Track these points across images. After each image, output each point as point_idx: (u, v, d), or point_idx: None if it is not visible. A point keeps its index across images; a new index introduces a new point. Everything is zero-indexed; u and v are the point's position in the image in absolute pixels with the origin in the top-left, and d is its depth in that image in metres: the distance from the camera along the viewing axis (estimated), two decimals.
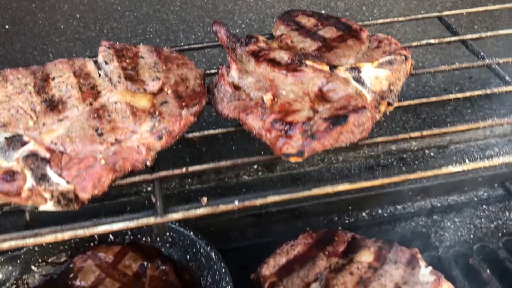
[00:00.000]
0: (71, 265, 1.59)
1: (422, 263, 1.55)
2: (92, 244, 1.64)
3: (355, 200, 1.84)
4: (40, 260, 1.58)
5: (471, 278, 1.63)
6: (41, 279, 1.58)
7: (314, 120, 0.97)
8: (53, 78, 1.13)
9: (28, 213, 1.67)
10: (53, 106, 1.07)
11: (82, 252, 1.60)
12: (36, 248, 1.56)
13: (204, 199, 0.96)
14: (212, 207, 0.95)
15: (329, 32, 1.28)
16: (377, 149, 1.86)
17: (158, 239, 1.65)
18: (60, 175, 0.93)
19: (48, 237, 0.90)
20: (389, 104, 1.06)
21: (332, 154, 1.82)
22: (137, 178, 1.00)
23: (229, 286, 1.41)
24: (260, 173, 1.80)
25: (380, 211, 1.87)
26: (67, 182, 0.92)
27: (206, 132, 1.10)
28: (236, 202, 0.96)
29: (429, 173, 1.01)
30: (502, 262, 1.69)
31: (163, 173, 1.01)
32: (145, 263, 1.58)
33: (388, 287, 1.49)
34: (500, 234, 1.77)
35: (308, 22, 1.32)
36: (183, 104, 1.09)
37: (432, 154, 1.91)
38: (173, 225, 1.60)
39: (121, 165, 0.97)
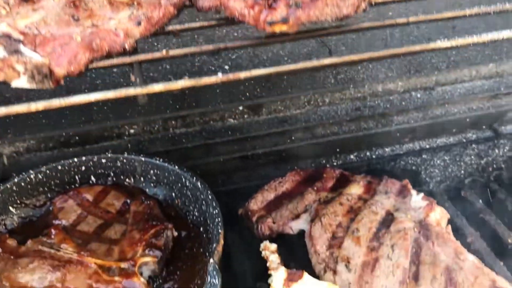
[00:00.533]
0: (51, 207, 1.54)
1: (414, 192, 1.52)
2: (72, 186, 1.59)
3: (344, 142, 1.81)
4: (18, 202, 1.51)
5: (464, 209, 1.60)
6: (20, 221, 1.51)
7: None
8: None
9: (6, 157, 1.62)
10: None
11: (62, 193, 1.55)
12: (14, 188, 1.49)
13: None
14: (195, 79, 0.91)
15: None
16: (363, 90, 1.84)
17: (142, 179, 1.60)
18: (34, 50, 0.89)
19: (21, 108, 0.86)
20: None
21: (318, 95, 1.80)
22: (114, 61, 0.96)
23: (216, 210, 1.36)
24: (246, 116, 1.77)
25: (368, 153, 1.84)
26: (42, 57, 0.88)
27: (187, 25, 1.07)
28: (220, 74, 0.92)
29: (417, 47, 0.98)
30: (494, 193, 1.67)
31: (142, 56, 0.97)
32: (129, 201, 1.53)
33: (379, 214, 1.46)
34: (490, 169, 1.75)
35: None
36: None
37: (418, 95, 1.89)
38: (157, 161, 1.55)
39: (98, 44, 0.93)
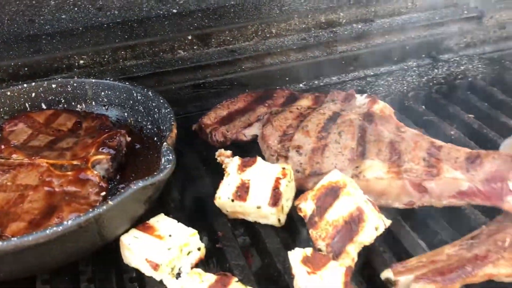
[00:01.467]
0: (1, 133, 1.51)
1: (358, 95, 1.59)
2: None
3: (292, 71, 1.87)
4: None
5: (408, 115, 1.68)
6: None
7: None
8: None
9: None
10: None
11: (11, 119, 1.53)
12: None
13: None
14: None
15: None
16: (307, 21, 1.92)
17: (93, 103, 1.59)
18: None
19: None
20: None
21: (265, 25, 1.87)
22: None
23: (168, 110, 1.38)
24: (195, 47, 1.81)
25: (316, 81, 1.91)
26: None
27: None
28: None
29: None
30: (434, 101, 1.76)
31: None
32: (80, 120, 1.52)
33: (327, 114, 1.51)
34: (431, 84, 1.84)
35: None
36: None
37: (359, 26, 1.99)
38: (108, 81, 1.56)
39: None
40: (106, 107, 1.59)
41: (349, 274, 0.99)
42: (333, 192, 1.16)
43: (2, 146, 1.39)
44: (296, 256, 1.02)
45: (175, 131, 1.30)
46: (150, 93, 1.48)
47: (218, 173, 1.36)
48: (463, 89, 1.82)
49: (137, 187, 1.10)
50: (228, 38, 1.83)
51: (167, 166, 1.15)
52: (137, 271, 1.15)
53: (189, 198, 1.40)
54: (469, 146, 1.49)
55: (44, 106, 1.59)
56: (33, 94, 1.57)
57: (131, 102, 1.54)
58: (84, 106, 1.60)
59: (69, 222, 1.01)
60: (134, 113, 1.54)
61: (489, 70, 1.90)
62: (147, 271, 1.12)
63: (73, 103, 1.60)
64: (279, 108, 1.62)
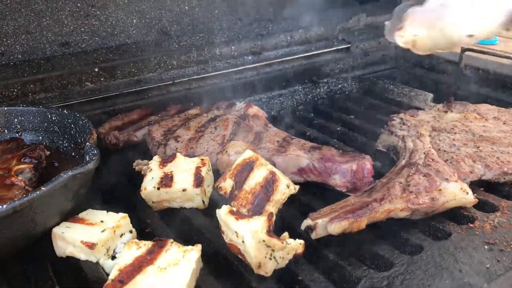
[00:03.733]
0: None
1: (238, 102, 1.84)
2: None
3: (195, 96, 2.05)
4: None
5: (300, 121, 1.93)
6: None
7: None
8: None
9: None
10: None
11: None
12: None
13: None
14: None
15: None
16: (204, 54, 2.14)
17: (6, 131, 1.62)
18: None
19: None
20: None
21: (167, 57, 2.06)
22: None
23: (85, 120, 1.47)
24: (102, 79, 1.93)
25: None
26: None
27: None
28: None
29: None
30: (320, 109, 2.04)
31: None
32: None
33: (209, 117, 1.73)
34: (316, 99, 2.14)
35: None
36: None
37: (250, 58, 2.26)
38: (21, 107, 1.61)
39: None
40: (20, 133, 1.62)
41: (271, 219, 1.13)
42: (248, 167, 1.32)
43: None
44: (223, 210, 1.15)
45: (95, 134, 1.40)
46: (65, 111, 1.56)
47: (138, 181, 1.46)
48: (342, 100, 2.14)
49: (67, 176, 1.17)
50: (133, 70, 1.99)
51: (93, 158, 1.24)
52: (72, 259, 1.18)
53: (116, 197, 1.47)
54: (352, 137, 1.77)
55: None
56: None
57: (45, 124, 1.60)
58: None
59: (4, 206, 1.05)
60: (49, 134, 1.60)
61: (361, 86, 2.25)
62: (83, 254, 1.17)
63: None
64: (169, 118, 1.78)
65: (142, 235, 1.29)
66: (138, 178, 1.49)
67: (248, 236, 1.07)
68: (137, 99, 1.94)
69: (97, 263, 1.17)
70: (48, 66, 1.84)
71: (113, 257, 1.19)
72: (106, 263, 1.17)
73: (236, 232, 1.10)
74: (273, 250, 1.08)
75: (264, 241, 1.07)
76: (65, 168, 1.51)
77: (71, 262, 1.19)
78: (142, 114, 1.84)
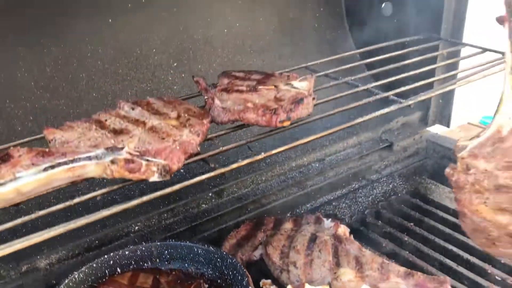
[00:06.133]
0: None
1: (324, 219, 2.31)
2: (104, 280, 1.97)
3: (280, 205, 2.53)
4: None
5: (371, 229, 2.43)
6: None
7: (284, 106, 1.70)
8: (105, 120, 1.65)
9: (42, 270, 1.95)
10: (119, 132, 1.59)
11: (101, 284, 1.92)
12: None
13: None
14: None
15: (256, 76, 2.05)
16: (284, 167, 2.62)
17: (157, 260, 2.06)
18: (155, 157, 1.46)
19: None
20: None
21: (258, 175, 2.52)
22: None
23: (234, 260, 1.92)
24: (213, 200, 2.39)
25: (297, 210, 2.59)
26: (164, 160, 1.46)
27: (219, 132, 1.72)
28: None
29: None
30: (381, 214, 2.55)
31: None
32: (157, 276, 1.98)
33: (307, 236, 2.18)
34: (377, 201, 2.65)
35: (240, 74, 2.09)
36: (201, 118, 1.71)
37: (317, 165, 2.75)
38: (170, 242, 2.05)
39: (187, 149, 1.53)
40: (168, 261, 2.07)
41: None
42: None
43: None
44: None
45: (249, 276, 1.86)
46: (211, 247, 2.01)
47: None
48: (398, 203, 2.65)
49: None
50: (235, 189, 2.45)
51: None
52: None
53: None
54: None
55: (119, 270, 2.01)
56: (111, 262, 1.99)
57: (191, 255, 2.05)
58: (150, 264, 2.06)
59: None
60: (194, 262, 2.05)
61: (408, 185, 2.77)
62: None
63: (140, 263, 2.05)
64: (271, 231, 2.26)
65: None
66: None
67: None
68: (241, 214, 2.40)
69: None
70: (176, 196, 2.28)
71: None
72: None
73: None
74: None
75: None
76: None
77: None
78: (248, 229, 2.29)
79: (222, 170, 1.53)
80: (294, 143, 1.69)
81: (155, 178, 1.44)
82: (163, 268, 2.05)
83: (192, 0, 2.62)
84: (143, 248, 2.04)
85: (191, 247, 2.04)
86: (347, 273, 1.95)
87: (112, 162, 1.40)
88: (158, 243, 2.06)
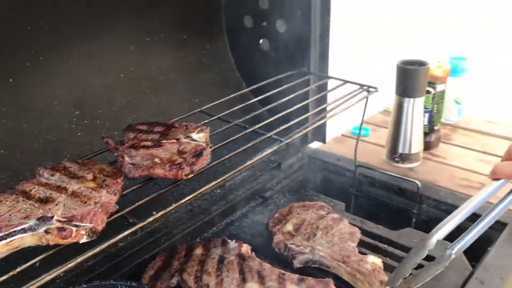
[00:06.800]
0: None
1: (230, 241, 2.69)
2: None
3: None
4: None
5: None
6: None
7: (187, 160, 2.03)
8: (30, 190, 1.86)
9: None
10: (45, 201, 1.81)
11: None
12: None
13: None
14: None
15: (158, 128, 2.36)
16: None
17: None
18: (82, 222, 1.72)
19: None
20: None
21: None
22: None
23: None
24: (129, 238, 2.65)
25: (205, 234, 2.93)
26: (90, 223, 1.72)
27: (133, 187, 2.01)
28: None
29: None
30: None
31: None
32: None
33: (216, 258, 2.54)
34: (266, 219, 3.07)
35: (143, 127, 2.38)
36: (115, 177, 1.98)
37: (218, 191, 3.11)
38: (95, 283, 2.29)
39: (107, 209, 1.81)
40: None
41: None
42: None
43: None
44: None
45: None
46: (133, 283, 2.28)
47: None
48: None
49: None
50: (148, 225, 2.72)
51: None
52: None
53: None
54: None
55: None
56: None
57: None
58: None
59: None
60: None
61: (295, 198, 3.24)
62: None
63: None
64: (184, 259, 2.59)
65: None
66: None
67: None
68: (155, 247, 2.70)
69: None
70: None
71: None
72: None
73: None
74: None
75: None
76: None
77: None
78: (163, 259, 2.60)
79: (141, 224, 1.82)
80: (198, 191, 2.05)
81: (84, 240, 1.70)
82: None
83: (88, 52, 2.83)
84: None
85: (115, 285, 2.29)
86: (252, 287, 2.34)
87: (46, 232, 1.64)
88: (85, 286, 2.28)
